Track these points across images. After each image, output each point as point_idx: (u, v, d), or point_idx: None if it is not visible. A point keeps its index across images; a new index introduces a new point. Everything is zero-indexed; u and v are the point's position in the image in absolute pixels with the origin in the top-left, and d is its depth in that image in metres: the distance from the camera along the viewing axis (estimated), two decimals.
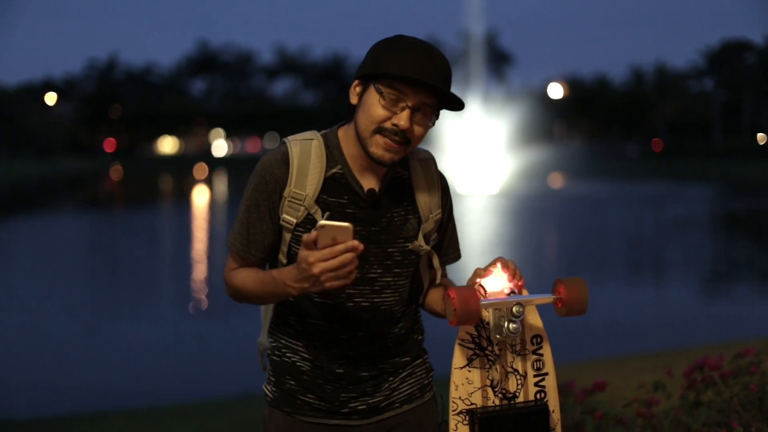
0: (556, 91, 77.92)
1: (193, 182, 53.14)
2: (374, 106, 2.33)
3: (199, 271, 16.72)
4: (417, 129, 2.36)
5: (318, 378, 2.53)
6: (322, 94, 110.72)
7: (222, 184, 53.14)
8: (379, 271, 2.50)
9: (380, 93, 2.31)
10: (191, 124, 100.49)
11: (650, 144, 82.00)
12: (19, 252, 20.65)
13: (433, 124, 2.42)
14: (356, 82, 2.39)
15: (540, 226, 25.45)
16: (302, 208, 2.43)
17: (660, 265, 18.04)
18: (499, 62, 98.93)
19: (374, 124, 2.33)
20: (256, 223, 2.46)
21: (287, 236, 2.46)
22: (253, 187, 2.46)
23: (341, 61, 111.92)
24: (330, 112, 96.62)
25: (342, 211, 2.44)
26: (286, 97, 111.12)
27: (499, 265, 2.39)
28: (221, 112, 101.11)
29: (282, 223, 2.45)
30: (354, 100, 2.40)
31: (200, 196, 41.20)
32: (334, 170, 2.45)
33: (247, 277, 2.46)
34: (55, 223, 28.74)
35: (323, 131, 2.52)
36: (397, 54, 2.31)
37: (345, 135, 2.47)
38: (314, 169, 2.44)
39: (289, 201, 2.43)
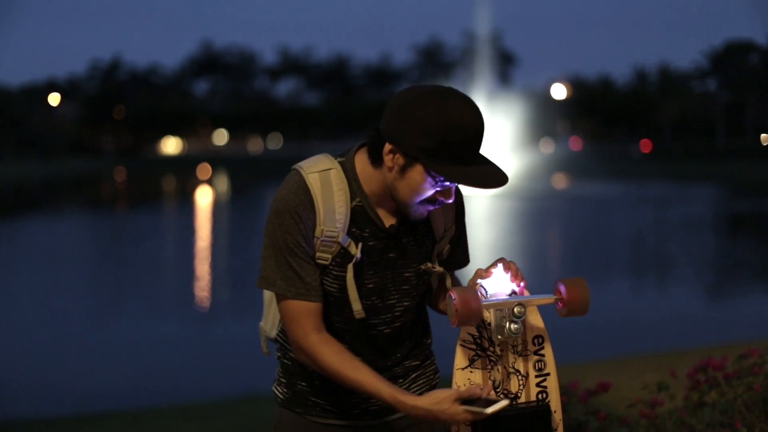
0: (559, 91, 77.78)
1: (197, 182, 53.15)
2: (423, 187, 2.28)
3: (203, 270, 16.71)
4: None
5: (330, 382, 2.51)
6: (325, 94, 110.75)
7: (223, 184, 53.20)
8: (396, 296, 2.48)
9: (432, 178, 2.26)
10: (195, 125, 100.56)
11: (653, 145, 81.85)
12: (23, 252, 20.66)
13: None
14: (392, 147, 2.27)
15: (543, 226, 25.44)
16: (336, 245, 2.37)
17: (664, 265, 18.03)
18: (502, 63, 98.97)
19: (420, 197, 2.30)
20: (304, 266, 2.37)
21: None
22: (285, 229, 2.35)
23: (344, 61, 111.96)
24: (333, 112, 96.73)
25: (365, 244, 2.40)
26: (290, 97, 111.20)
27: (500, 265, 2.38)
28: (224, 113, 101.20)
29: (318, 261, 2.38)
30: (390, 164, 2.29)
31: (203, 197, 41.21)
32: (354, 202, 2.38)
33: (339, 366, 2.35)
34: (58, 223, 28.76)
35: (338, 158, 2.42)
36: (449, 142, 2.20)
37: (364, 170, 2.38)
38: (340, 202, 2.36)
39: (322, 241, 2.36)
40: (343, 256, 2.38)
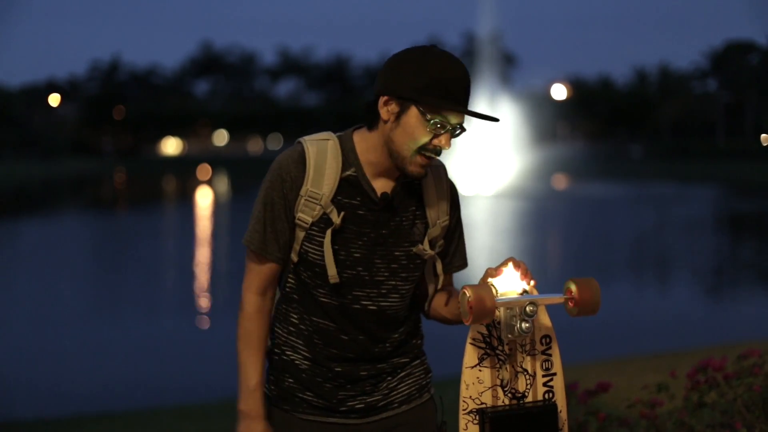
0: (559, 92, 77.74)
1: (197, 183, 53.15)
2: (418, 130, 2.35)
3: (203, 271, 16.72)
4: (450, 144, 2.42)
5: (317, 376, 2.56)
6: (325, 95, 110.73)
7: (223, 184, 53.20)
8: (385, 274, 2.52)
9: (427, 120, 2.33)
10: (195, 126, 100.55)
11: (654, 145, 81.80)
12: (23, 253, 20.67)
13: (459, 134, 2.45)
14: (386, 98, 2.37)
15: (544, 226, 25.44)
16: (318, 207, 2.45)
17: (664, 266, 18.03)
18: (502, 63, 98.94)
19: (417, 145, 2.36)
20: (272, 222, 2.48)
21: (300, 234, 2.48)
22: (269, 185, 2.48)
23: (344, 62, 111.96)
24: (333, 112, 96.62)
25: (354, 212, 2.47)
26: (290, 98, 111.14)
27: (510, 264, 2.40)
28: (225, 114, 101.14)
29: (297, 221, 2.47)
30: (386, 116, 2.39)
31: (203, 197, 41.22)
32: (348, 172, 2.47)
33: (247, 330, 2.56)
34: (58, 224, 28.77)
35: (338, 133, 2.53)
36: (439, 78, 2.32)
37: (361, 140, 2.48)
38: (330, 169, 2.46)
39: (305, 200, 2.45)
40: (326, 221, 2.45)
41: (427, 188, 2.56)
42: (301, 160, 2.46)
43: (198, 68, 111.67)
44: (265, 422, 2.52)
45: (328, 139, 2.50)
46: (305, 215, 2.46)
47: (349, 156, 2.48)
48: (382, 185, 2.49)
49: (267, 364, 2.68)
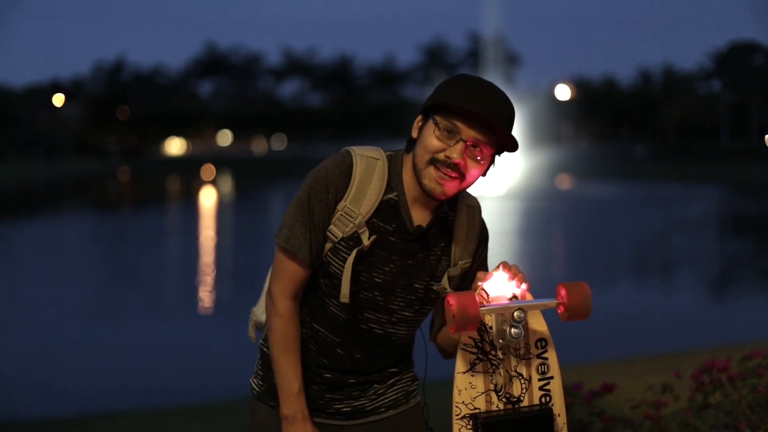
0: (563, 92, 77.64)
1: (201, 183, 53.16)
2: (430, 137, 2.36)
3: (207, 271, 16.71)
4: (472, 166, 2.37)
5: (304, 378, 2.56)
6: (329, 95, 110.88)
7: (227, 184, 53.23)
8: (401, 304, 2.52)
9: (436, 124, 2.34)
10: (199, 126, 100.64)
11: (658, 145, 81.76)
12: (26, 253, 20.68)
13: (492, 165, 2.43)
14: (419, 117, 2.43)
15: (548, 227, 25.42)
16: (351, 225, 2.43)
17: (668, 266, 18.00)
18: (507, 63, 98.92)
19: (428, 155, 2.36)
20: (313, 229, 2.44)
21: (327, 245, 2.47)
22: (313, 193, 2.44)
23: (348, 62, 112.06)
24: (337, 113, 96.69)
25: (386, 238, 2.46)
26: (294, 98, 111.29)
27: (501, 268, 2.39)
28: (229, 114, 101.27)
29: (327, 233, 2.45)
30: (414, 133, 2.43)
31: (207, 198, 41.23)
32: (390, 196, 2.46)
33: (279, 342, 2.50)
34: (61, 224, 28.80)
35: (389, 152, 2.52)
36: (456, 88, 2.34)
37: (408, 167, 2.48)
38: (373, 190, 2.44)
39: (341, 215, 2.43)
40: (355, 240, 2.43)
41: (458, 226, 2.56)
42: (347, 173, 2.44)
43: (202, 68, 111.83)
44: (311, 423, 2.51)
45: (378, 159, 2.48)
46: (337, 229, 2.44)
47: (393, 179, 2.47)
48: (419, 215, 2.48)
49: (257, 359, 2.71)
